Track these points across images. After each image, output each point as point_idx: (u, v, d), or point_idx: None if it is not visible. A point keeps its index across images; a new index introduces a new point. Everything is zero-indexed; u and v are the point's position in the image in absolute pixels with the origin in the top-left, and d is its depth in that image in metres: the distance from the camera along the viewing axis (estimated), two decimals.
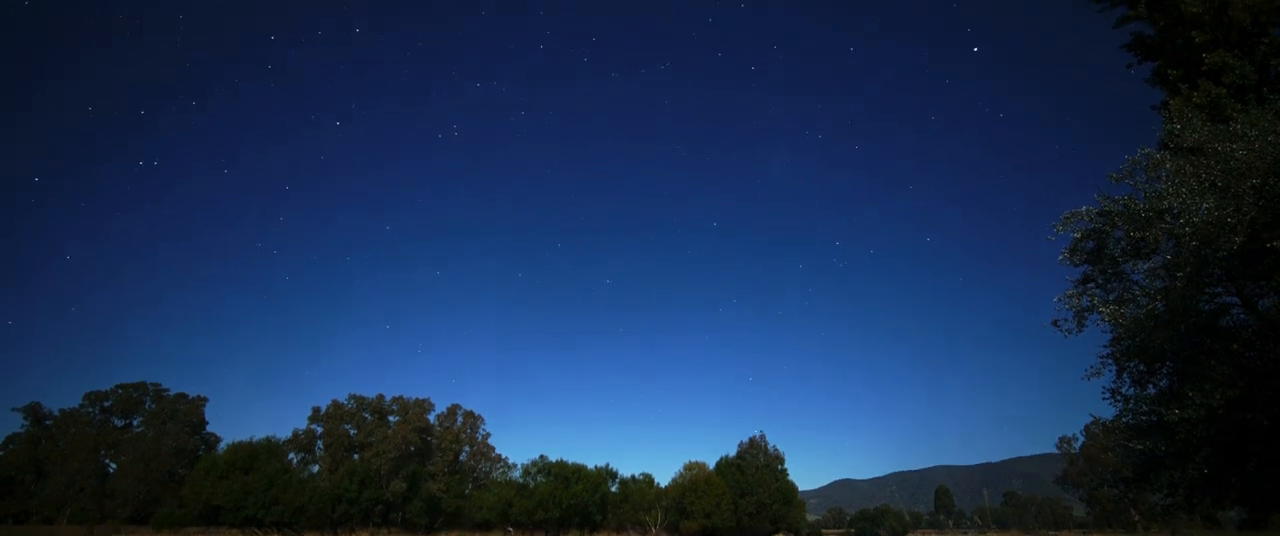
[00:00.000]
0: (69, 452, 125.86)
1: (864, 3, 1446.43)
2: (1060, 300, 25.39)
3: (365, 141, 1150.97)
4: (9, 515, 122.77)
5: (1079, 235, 24.90)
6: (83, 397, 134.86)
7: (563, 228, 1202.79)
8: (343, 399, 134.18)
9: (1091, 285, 25.21)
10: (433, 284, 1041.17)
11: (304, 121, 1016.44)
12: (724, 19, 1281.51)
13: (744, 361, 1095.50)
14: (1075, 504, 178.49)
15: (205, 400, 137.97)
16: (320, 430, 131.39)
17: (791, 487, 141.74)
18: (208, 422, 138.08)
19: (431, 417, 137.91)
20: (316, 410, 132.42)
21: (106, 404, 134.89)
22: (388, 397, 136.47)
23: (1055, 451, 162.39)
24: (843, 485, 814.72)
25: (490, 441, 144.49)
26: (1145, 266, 23.40)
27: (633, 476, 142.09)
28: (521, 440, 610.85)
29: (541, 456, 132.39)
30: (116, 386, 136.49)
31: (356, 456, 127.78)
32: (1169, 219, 21.07)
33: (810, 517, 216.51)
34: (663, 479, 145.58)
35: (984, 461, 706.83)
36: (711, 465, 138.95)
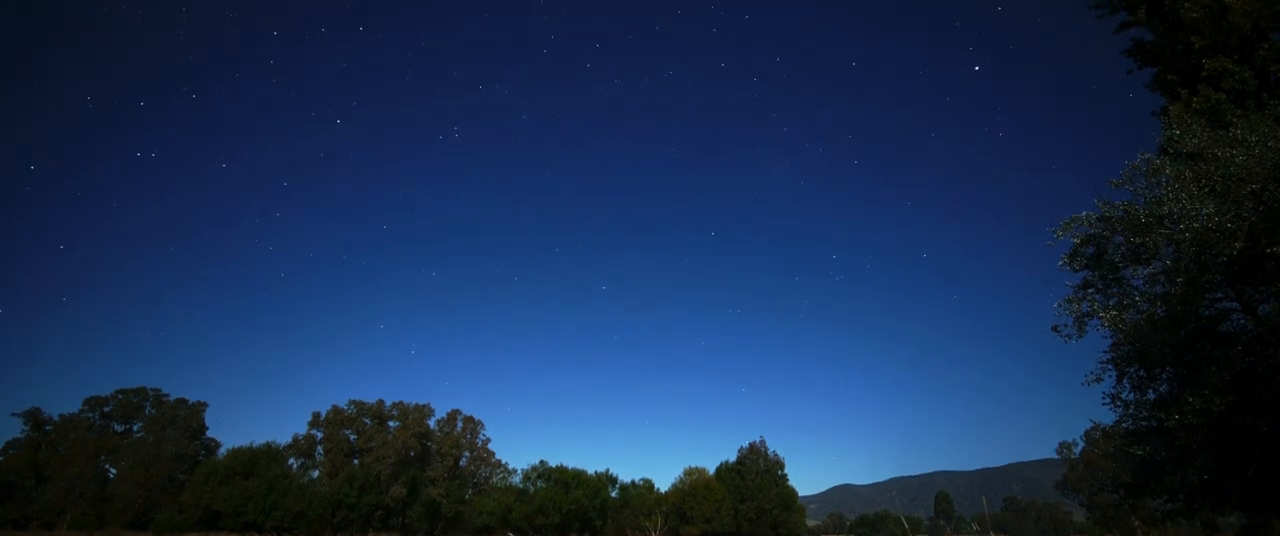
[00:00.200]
0: (69, 458, 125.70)
1: (866, 14, 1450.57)
2: (1060, 305, 25.41)
3: (365, 140, 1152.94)
4: (9, 520, 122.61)
5: (1079, 240, 24.91)
6: (83, 403, 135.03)
7: (562, 231, 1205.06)
8: (343, 404, 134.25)
9: (1091, 290, 25.23)
10: (431, 286, 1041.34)
11: (304, 118, 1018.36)
12: (727, 28, 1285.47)
13: (744, 367, 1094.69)
14: (1075, 509, 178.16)
15: (205, 405, 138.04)
16: (320, 435, 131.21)
17: (791, 493, 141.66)
18: (207, 428, 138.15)
19: (431, 423, 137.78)
20: (316, 415, 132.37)
21: (106, 409, 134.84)
22: (388, 403, 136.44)
23: (1055, 457, 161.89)
24: (843, 490, 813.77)
25: (490, 446, 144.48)
26: (1145, 272, 23.41)
27: (633, 482, 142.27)
28: (521, 445, 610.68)
29: (541, 461, 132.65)
30: (116, 391, 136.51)
31: (356, 461, 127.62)
32: (1169, 224, 21.12)
33: (810, 523, 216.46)
34: (663, 484, 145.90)
35: (984, 466, 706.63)
36: (712, 470, 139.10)
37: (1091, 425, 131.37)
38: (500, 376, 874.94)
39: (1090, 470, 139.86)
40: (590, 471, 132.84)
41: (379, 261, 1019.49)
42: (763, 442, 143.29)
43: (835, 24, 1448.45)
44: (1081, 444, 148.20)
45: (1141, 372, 24.06)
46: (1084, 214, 24.57)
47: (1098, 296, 25.02)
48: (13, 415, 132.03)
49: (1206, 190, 20.58)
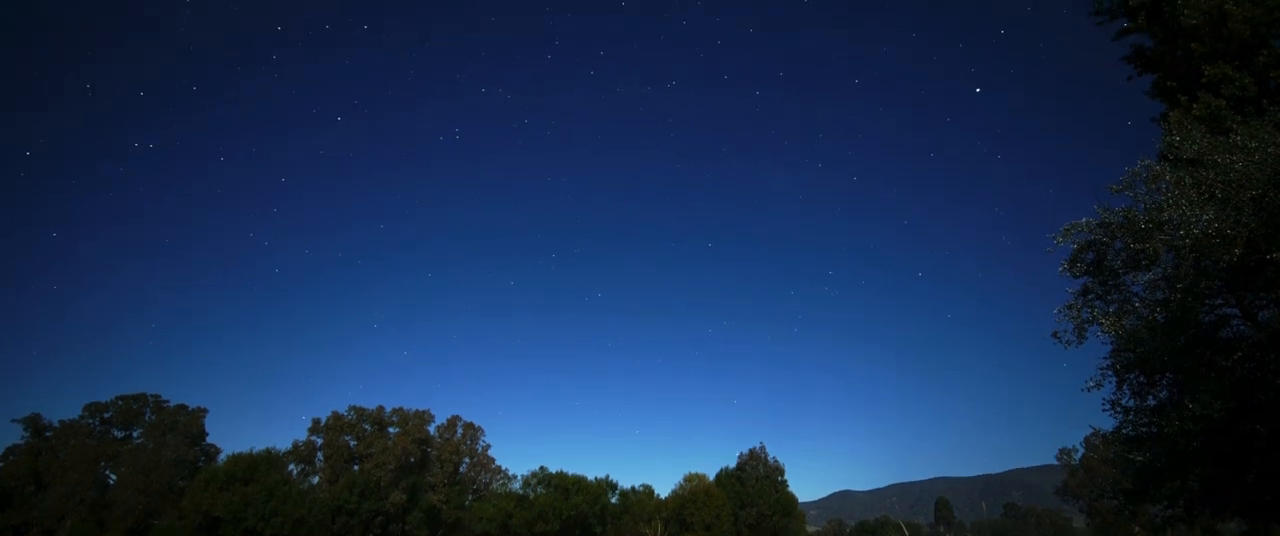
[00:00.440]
0: (69, 464, 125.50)
1: (870, 32, 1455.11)
2: (1060, 312, 25.45)
3: (365, 139, 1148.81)
4: (9, 527, 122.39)
5: (1079, 246, 24.96)
6: (83, 409, 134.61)
7: (562, 236, 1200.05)
8: (343, 410, 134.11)
9: (1092, 296, 25.28)
10: (429, 290, 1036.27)
11: (305, 114, 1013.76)
12: (731, 41, 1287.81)
13: (744, 373, 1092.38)
14: (1075, 515, 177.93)
15: (205, 411, 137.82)
16: (320, 441, 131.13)
17: (791, 499, 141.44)
18: (208, 434, 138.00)
19: (431, 429, 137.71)
20: (316, 421, 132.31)
21: (106, 415, 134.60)
22: (388, 409, 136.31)
23: (1055, 463, 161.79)
24: (843, 496, 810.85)
25: (490, 453, 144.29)
26: (1145, 278, 23.46)
27: (633, 488, 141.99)
28: (521, 451, 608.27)
29: (541, 467, 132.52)
30: (116, 397, 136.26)
31: (356, 468, 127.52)
32: (1169, 230, 21.15)
33: (810, 529, 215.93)
34: (663, 490, 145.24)
35: (984, 472, 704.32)
36: (711, 476, 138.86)
37: (1091, 431, 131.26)
38: (500, 382, 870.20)
39: (1090, 476, 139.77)
40: (590, 477, 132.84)
41: (378, 262, 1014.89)
42: (763, 448, 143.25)
43: (838, 40, 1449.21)
44: (1082, 450, 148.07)
45: (1141, 379, 24.09)
46: (1084, 220, 24.64)
47: (1098, 302, 25.07)
48: (13, 421, 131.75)
49: (1206, 196, 20.62)
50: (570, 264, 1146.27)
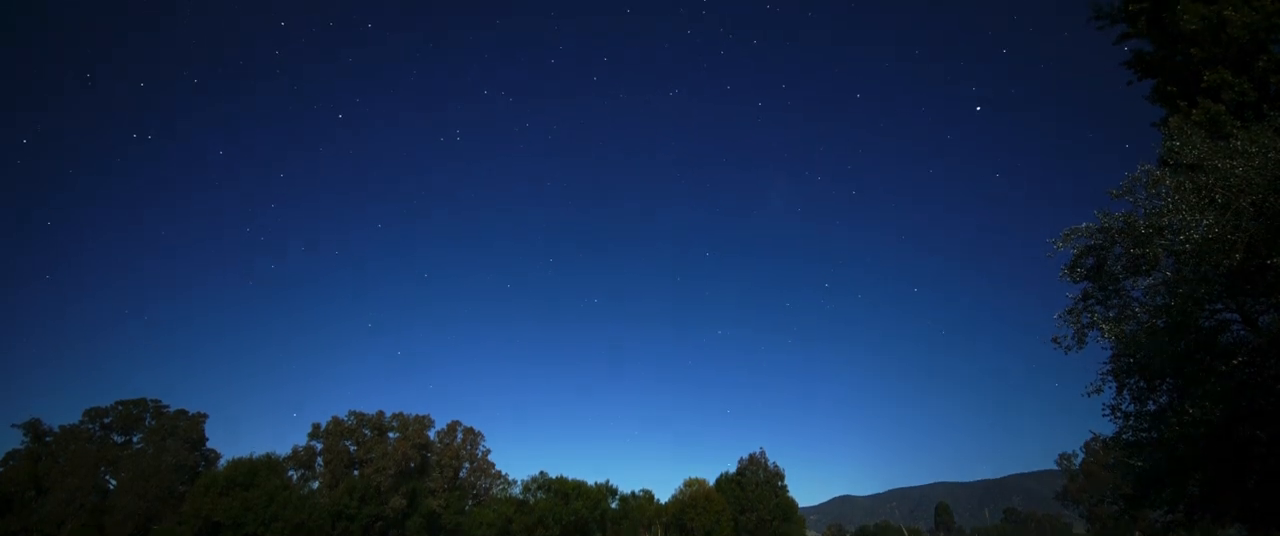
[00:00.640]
0: (69, 469, 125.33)
1: (873, 46, 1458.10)
2: (1060, 316, 25.48)
3: (366, 139, 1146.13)
4: (9, 532, 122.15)
5: (1079, 251, 25.00)
6: (83, 414, 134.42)
7: (561, 241, 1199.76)
8: (342, 415, 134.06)
9: (1091, 301, 25.29)
10: (428, 292, 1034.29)
11: (306, 112, 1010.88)
12: (735, 53, 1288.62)
13: (744, 379, 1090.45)
14: (1075, 520, 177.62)
15: (205, 416, 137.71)
16: (320, 446, 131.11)
17: (792, 504, 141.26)
18: (207, 439, 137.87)
19: (431, 434, 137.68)
20: (316, 426, 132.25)
21: (106, 420, 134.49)
22: (388, 414, 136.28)
23: (1055, 468, 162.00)
24: (843, 501, 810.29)
25: (490, 458, 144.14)
26: (1145, 283, 23.49)
27: (633, 493, 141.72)
28: (521, 456, 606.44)
29: (541, 473, 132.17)
30: (116, 403, 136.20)
31: (356, 473, 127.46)
32: (1169, 235, 21.19)
33: (811, 534, 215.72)
34: (663, 495, 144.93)
35: (984, 478, 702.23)
36: (712, 481, 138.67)
37: (1091, 436, 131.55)
38: (499, 387, 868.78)
39: (1090, 481, 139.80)
40: (590, 482, 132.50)
41: (377, 265, 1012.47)
42: (763, 453, 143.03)
43: (841, 54, 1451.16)
44: (1081, 455, 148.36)
45: (1141, 384, 24.07)
46: (1084, 225, 24.69)
47: (1098, 307, 25.09)
48: (13, 426, 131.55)
49: (1206, 201, 20.65)
50: (569, 269, 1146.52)
